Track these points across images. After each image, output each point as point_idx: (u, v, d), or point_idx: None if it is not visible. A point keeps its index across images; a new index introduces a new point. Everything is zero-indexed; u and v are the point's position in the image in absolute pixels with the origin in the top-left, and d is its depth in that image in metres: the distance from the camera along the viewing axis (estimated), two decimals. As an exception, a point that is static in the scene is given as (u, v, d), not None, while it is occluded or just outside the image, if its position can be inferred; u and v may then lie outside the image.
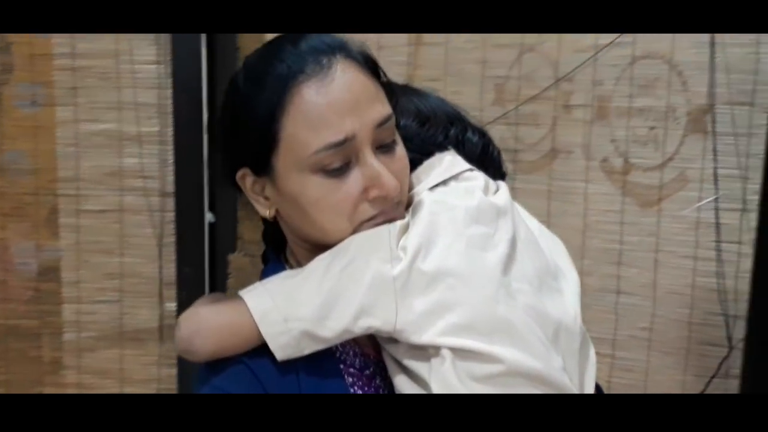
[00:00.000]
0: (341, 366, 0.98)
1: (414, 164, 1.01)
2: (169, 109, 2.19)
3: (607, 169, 1.94)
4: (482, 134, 1.08)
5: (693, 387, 1.90)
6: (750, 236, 1.83)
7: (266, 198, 0.99)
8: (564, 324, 0.96)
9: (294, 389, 0.93)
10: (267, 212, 1.00)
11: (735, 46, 1.82)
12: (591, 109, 1.94)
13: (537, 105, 1.98)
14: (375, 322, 0.91)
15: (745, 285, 1.85)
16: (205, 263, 2.24)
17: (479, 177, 1.02)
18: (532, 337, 0.91)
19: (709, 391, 1.89)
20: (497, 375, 0.89)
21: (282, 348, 0.92)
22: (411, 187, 1.00)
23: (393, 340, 0.94)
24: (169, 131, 2.20)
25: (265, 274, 1.03)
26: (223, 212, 2.26)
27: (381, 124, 0.94)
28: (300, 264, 1.01)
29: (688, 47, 1.85)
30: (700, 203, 1.87)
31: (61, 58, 2.21)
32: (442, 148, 1.04)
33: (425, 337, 0.90)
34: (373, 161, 0.93)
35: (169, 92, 2.18)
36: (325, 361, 0.96)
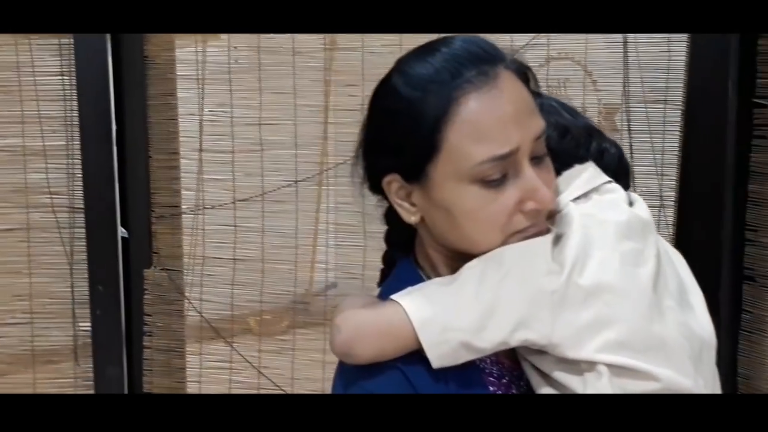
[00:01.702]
0: (483, 375, 0.99)
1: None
2: (76, 121, 2.11)
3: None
4: (616, 145, 1.09)
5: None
6: (668, 231, 1.86)
7: (412, 204, 0.99)
8: (705, 341, 0.97)
9: None
10: (412, 218, 1.00)
11: (647, 44, 1.84)
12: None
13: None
14: (531, 335, 0.91)
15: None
16: (119, 280, 2.17)
17: (619, 189, 1.02)
18: (684, 355, 0.92)
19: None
20: (652, 393, 0.90)
21: (439, 357, 0.92)
22: None
23: (539, 352, 0.94)
24: (76, 144, 2.12)
25: (397, 276, 1.05)
26: (136, 227, 2.19)
27: (539, 136, 0.94)
28: (435, 269, 1.03)
29: (600, 47, 1.87)
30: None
31: (-45, 71, 2.11)
32: (582, 160, 1.04)
33: (582, 353, 0.91)
34: (531, 173, 0.93)
35: (74, 104, 2.10)
36: (469, 369, 0.96)
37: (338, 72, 2.04)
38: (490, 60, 0.94)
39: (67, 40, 2.09)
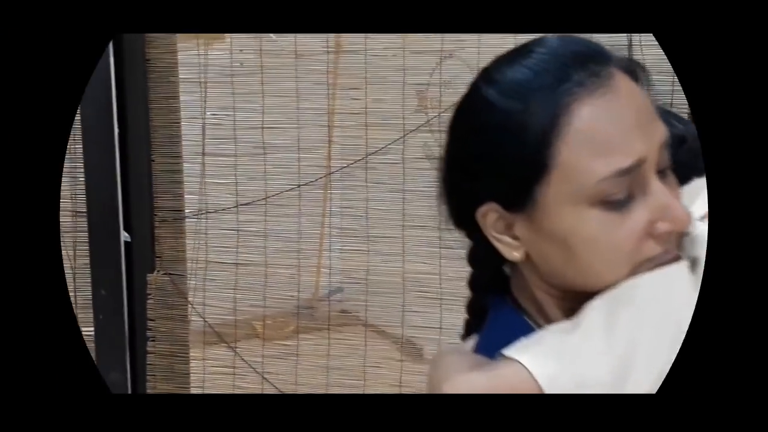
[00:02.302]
0: None
1: None
2: (78, 124, 2.09)
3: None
4: None
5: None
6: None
7: (515, 237, 0.84)
8: None
9: None
10: (515, 254, 0.85)
11: (653, 46, 1.82)
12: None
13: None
14: None
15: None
16: (122, 285, 2.16)
17: None
18: None
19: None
20: None
21: None
22: None
23: None
24: (79, 148, 2.11)
25: (498, 326, 0.90)
26: (138, 231, 2.18)
27: (664, 144, 0.81)
28: (544, 313, 0.87)
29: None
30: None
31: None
32: (701, 172, 0.88)
33: None
34: (662, 188, 0.80)
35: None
36: None
37: (341, 75, 2.03)
38: (598, 58, 0.81)
39: (69, 43, 2.08)
